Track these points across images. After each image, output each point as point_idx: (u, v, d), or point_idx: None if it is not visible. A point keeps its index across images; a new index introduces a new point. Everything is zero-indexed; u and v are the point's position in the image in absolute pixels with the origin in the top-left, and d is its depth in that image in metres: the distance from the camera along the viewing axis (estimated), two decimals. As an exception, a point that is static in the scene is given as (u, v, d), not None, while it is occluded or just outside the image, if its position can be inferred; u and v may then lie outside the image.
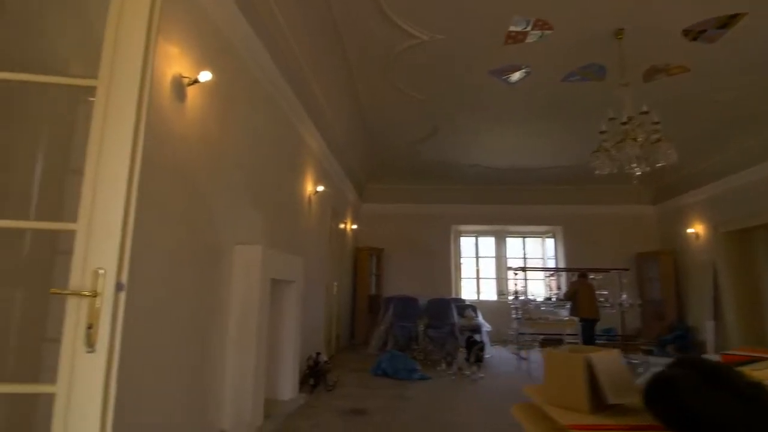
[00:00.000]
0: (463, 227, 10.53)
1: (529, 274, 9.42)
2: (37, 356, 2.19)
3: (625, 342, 8.35)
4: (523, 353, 7.22)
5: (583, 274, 7.45)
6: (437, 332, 7.17)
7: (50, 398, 1.28)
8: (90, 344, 1.27)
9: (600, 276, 8.50)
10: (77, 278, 1.30)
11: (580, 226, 10.02)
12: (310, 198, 5.85)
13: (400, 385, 5.09)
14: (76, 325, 1.28)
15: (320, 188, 6.04)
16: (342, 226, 8.19)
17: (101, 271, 1.30)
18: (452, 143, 7.95)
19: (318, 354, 4.95)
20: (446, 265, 10.09)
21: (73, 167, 2.34)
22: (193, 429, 2.92)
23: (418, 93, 6.07)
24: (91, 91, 2.64)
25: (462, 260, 10.61)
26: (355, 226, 9.32)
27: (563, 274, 9.60)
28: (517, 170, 9.16)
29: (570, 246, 10.07)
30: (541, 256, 10.77)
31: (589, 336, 6.83)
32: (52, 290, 1.27)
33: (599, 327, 7.38)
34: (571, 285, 7.32)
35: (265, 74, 4.07)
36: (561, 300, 7.93)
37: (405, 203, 10.15)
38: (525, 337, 7.56)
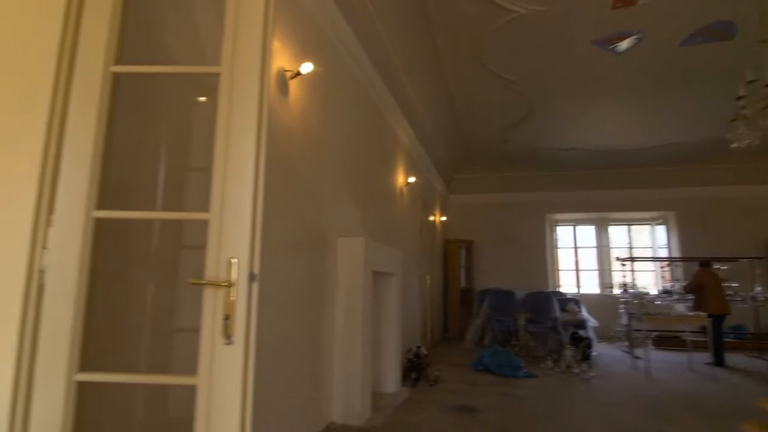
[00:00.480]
0: (559, 216, 9.87)
1: (637, 265, 8.58)
2: (168, 346, 2.30)
3: (759, 341, 7.30)
4: (637, 351, 6.58)
5: (705, 263, 6.58)
6: (538, 327, 6.76)
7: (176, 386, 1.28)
8: (227, 336, 1.24)
9: (726, 266, 7.51)
10: (212, 268, 1.28)
11: (697, 210, 8.93)
12: (401, 190, 5.76)
13: (506, 383, 4.84)
14: (213, 316, 1.26)
15: (411, 179, 5.93)
16: (432, 218, 8.03)
17: (234, 261, 1.27)
18: (547, 126, 7.44)
19: (419, 347, 4.86)
20: (541, 257, 9.53)
21: (192, 165, 2.44)
22: (308, 420, 2.94)
23: (510, 74, 5.72)
24: (201, 90, 2.73)
25: (559, 251, 9.97)
26: (444, 218, 9.12)
27: (679, 264, 8.62)
28: (621, 151, 8.37)
29: (685, 233, 9.02)
30: (649, 245, 9.79)
31: (717, 334, 6.02)
32: (190, 280, 1.26)
33: (726, 323, 6.48)
34: (695, 276, 6.47)
35: (357, 65, 4.03)
36: (681, 293, 7.11)
37: (495, 193, 9.73)
38: (636, 334, 6.88)
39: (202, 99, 2.74)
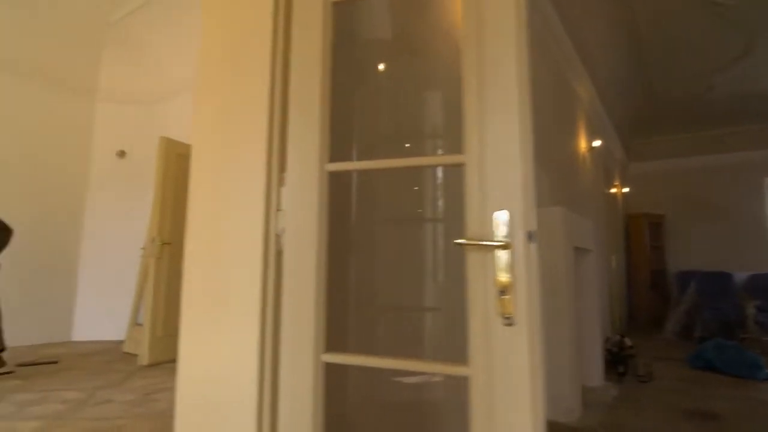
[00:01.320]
0: (784, 178, 7.81)
1: None
2: (372, 325, 2.16)
3: None
4: None
5: None
6: (771, 317, 5.38)
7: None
8: (505, 314, 0.93)
9: None
10: (475, 225, 0.98)
11: None
12: (584, 156, 5.01)
13: (743, 385, 3.85)
14: (484, 288, 0.96)
15: (597, 143, 5.12)
16: (613, 190, 6.99)
17: (504, 216, 0.95)
18: (771, 62, 5.82)
19: (622, 337, 4.15)
20: (761, 230, 7.65)
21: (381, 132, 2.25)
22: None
23: (728, -2, 4.51)
24: (380, 57, 2.50)
25: (784, 223, 7.90)
26: (626, 190, 7.91)
27: None
28: None
29: None
30: None
31: None
32: (456, 241, 0.97)
33: None
34: None
35: (537, 11, 3.49)
36: None
37: (690, 156, 8.09)
38: None
39: (381, 67, 2.56)
